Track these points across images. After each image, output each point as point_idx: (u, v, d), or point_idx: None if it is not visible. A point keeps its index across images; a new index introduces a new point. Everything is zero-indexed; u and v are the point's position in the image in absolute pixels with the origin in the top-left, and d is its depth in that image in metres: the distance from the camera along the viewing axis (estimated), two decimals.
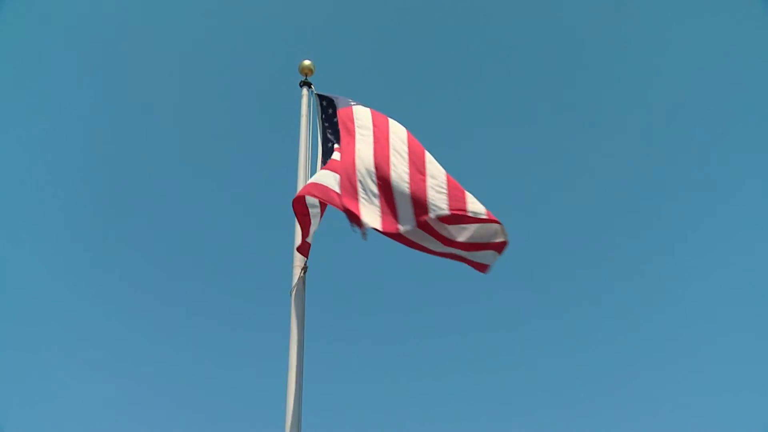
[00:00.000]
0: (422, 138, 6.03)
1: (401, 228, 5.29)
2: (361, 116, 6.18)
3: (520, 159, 19.44)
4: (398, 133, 5.95)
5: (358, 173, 5.50)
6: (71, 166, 17.47)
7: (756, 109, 16.81)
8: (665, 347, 16.10)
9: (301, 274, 5.61)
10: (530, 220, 18.95)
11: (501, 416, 15.60)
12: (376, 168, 5.56)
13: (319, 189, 5.39)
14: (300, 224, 5.58)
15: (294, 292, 5.52)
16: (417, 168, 5.58)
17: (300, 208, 5.52)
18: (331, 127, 6.66)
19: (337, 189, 5.35)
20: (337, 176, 5.48)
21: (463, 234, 5.47)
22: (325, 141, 6.66)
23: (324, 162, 6.28)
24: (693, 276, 17.27)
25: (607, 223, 18.74)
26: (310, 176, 6.25)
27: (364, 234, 5.12)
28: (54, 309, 15.80)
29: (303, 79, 7.18)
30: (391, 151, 5.72)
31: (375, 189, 5.43)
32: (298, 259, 5.69)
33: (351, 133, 5.96)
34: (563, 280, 18.23)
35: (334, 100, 6.71)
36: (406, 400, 15.92)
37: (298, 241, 5.67)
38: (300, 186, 6.13)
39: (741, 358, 14.96)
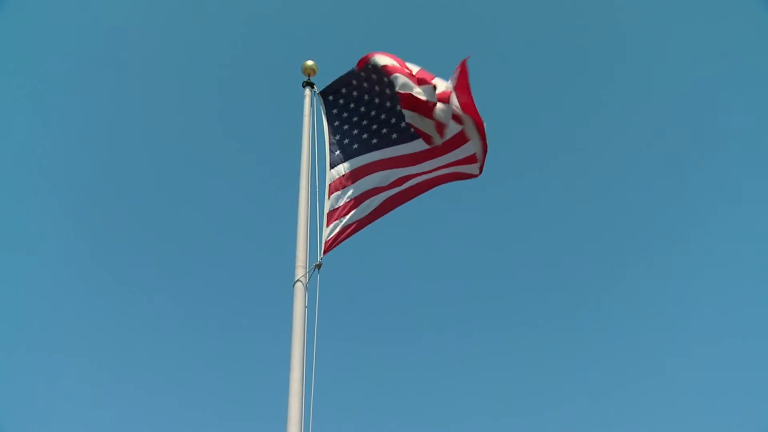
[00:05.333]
0: None
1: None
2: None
3: (518, 159, 19.46)
4: None
5: None
6: (72, 166, 17.50)
7: (756, 109, 16.85)
8: (664, 348, 16.14)
9: (305, 273, 5.66)
10: (529, 222, 18.99)
11: (503, 415, 15.65)
12: None
13: None
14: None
15: (295, 290, 5.55)
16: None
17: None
18: (339, 133, 6.68)
19: None
20: None
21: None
22: (331, 145, 6.66)
23: (332, 165, 6.37)
24: (693, 277, 17.31)
25: (606, 224, 18.77)
26: (312, 176, 6.33)
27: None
28: (54, 309, 15.83)
29: (306, 79, 7.24)
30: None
31: None
32: (301, 259, 5.73)
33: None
34: (564, 282, 18.26)
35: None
36: (408, 399, 15.96)
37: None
38: (303, 186, 6.23)
39: (742, 359, 15.00)
